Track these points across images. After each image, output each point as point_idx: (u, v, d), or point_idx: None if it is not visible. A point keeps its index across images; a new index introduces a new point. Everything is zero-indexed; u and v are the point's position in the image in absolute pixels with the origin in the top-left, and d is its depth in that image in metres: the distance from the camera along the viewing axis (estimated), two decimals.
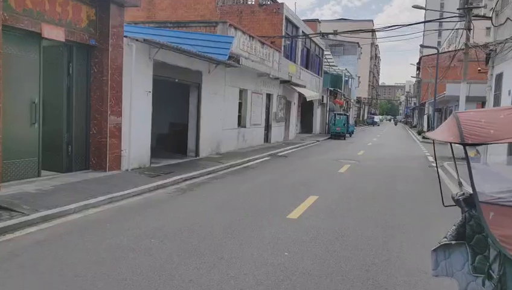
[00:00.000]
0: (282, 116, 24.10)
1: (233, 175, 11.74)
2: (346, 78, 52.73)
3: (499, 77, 14.97)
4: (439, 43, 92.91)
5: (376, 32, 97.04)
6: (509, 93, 13.53)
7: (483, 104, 28.83)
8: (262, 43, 20.11)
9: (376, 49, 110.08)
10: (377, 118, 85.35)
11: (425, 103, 54.01)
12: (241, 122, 18.53)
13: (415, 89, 79.24)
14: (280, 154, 18.02)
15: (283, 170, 13.48)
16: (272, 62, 21.57)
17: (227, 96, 16.39)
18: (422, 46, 37.42)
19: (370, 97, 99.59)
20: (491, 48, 15.62)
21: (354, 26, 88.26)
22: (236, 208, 7.64)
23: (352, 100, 60.45)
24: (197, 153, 14.41)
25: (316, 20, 67.49)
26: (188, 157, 14.10)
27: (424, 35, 78.79)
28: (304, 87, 26.48)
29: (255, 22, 23.20)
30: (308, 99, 26.41)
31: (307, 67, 29.93)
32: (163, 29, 16.14)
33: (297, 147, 21.63)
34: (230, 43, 15.45)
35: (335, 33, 38.22)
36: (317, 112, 34.78)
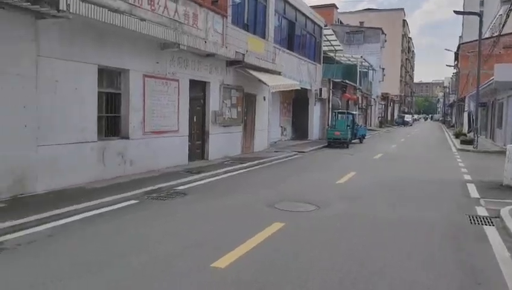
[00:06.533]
0: (236, 117, 15.66)
1: None
2: (364, 70, 43.46)
3: None
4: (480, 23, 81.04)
5: (409, 25, 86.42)
6: None
7: None
8: None
9: (409, 42, 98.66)
10: (408, 117, 74.84)
11: (465, 97, 43.93)
12: (119, 129, 10.31)
13: (453, 83, 68.37)
14: (182, 188, 9.64)
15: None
16: (206, 30, 13.23)
17: (49, 77, 8.19)
18: (456, 12, 26.77)
19: (403, 94, 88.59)
20: None
21: (382, 16, 78.41)
22: None
23: (374, 97, 50.86)
24: None
25: (333, 6, 58.42)
26: None
27: (463, 24, 67.88)
28: (278, 74, 17.87)
29: None
30: (272, 90, 17.72)
31: (290, 48, 21.30)
32: None
33: (245, 168, 13.10)
34: None
35: None
36: (315, 111, 25.83)
